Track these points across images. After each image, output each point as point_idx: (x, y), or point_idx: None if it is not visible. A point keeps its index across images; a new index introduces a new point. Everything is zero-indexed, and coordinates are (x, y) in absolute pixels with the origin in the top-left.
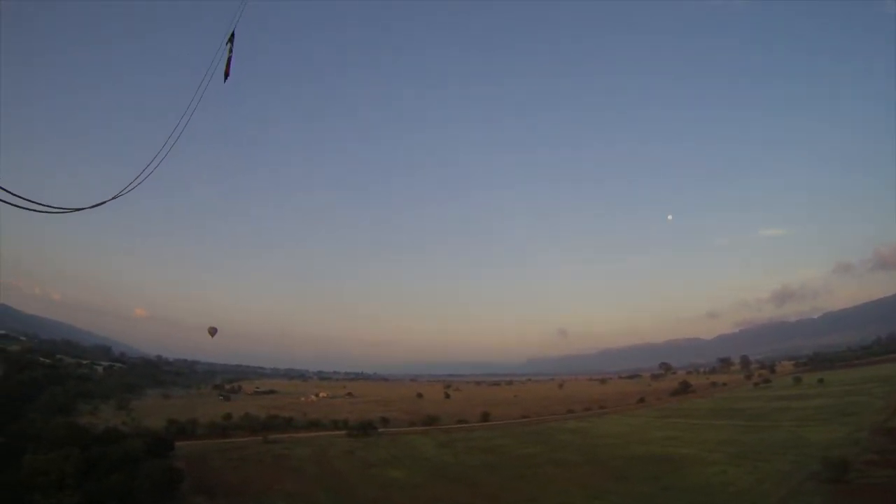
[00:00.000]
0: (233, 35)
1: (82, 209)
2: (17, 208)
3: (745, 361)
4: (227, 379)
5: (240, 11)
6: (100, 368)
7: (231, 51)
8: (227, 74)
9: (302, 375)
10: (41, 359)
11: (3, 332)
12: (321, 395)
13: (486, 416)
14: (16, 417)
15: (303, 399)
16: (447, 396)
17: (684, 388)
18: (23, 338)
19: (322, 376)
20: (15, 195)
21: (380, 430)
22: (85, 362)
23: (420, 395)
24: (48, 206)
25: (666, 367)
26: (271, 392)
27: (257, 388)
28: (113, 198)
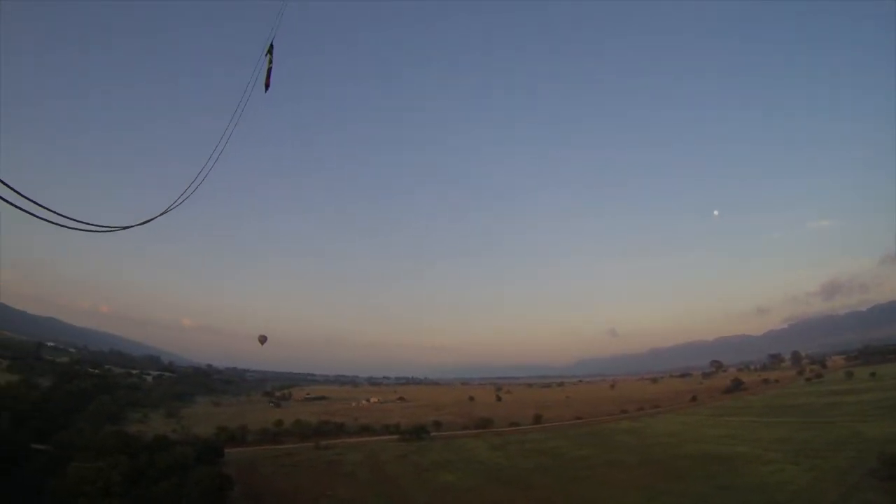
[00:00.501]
0: (272, 46)
1: (132, 226)
2: (69, 229)
3: (797, 357)
4: (278, 386)
5: (276, 23)
6: (149, 378)
7: (271, 62)
8: (267, 85)
9: (353, 381)
10: (90, 369)
11: (52, 344)
12: (372, 400)
13: (538, 419)
14: (63, 427)
15: (354, 404)
16: (499, 399)
17: (736, 386)
18: (72, 349)
19: (373, 382)
20: (68, 217)
21: (432, 433)
22: (134, 372)
23: (472, 399)
24: (101, 225)
25: (717, 365)
26: (322, 398)
27: (308, 394)
28: (161, 213)
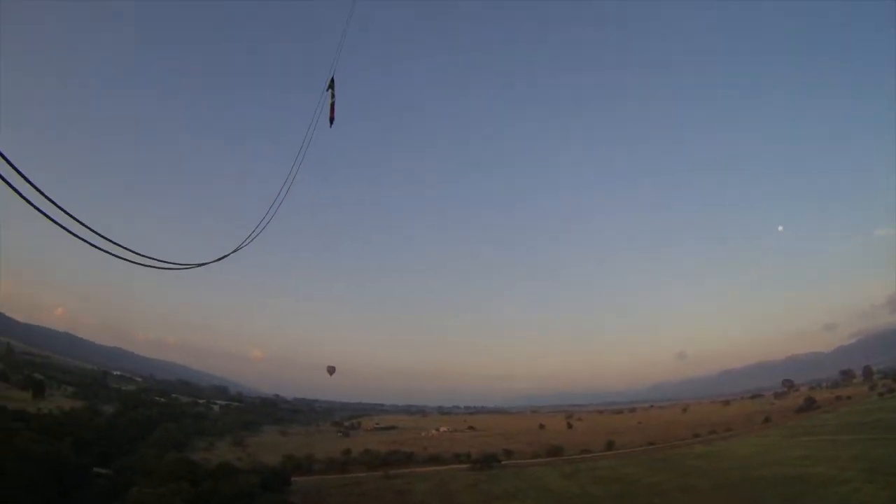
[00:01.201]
0: (332, 81)
1: (209, 263)
2: (143, 266)
3: (868, 372)
4: (347, 416)
5: (336, 58)
6: (216, 407)
7: (333, 96)
8: (331, 120)
9: (422, 411)
10: (156, 398)
11: (118, 373)
12: (442, 429)
13: (610, 445)
14: (127, 453)
15: (423, 434)
16: (570, 426)
17: (809, 405)
18: (138, 378)
19: (442, 411)
20: (144, 255)
21: (503, 462)
22: (201, 401)
23: (542, 426)
24: (179, 263)
25: (788, 384)
26: (391, 428)
27: (377, 424)
28: (234, 251)
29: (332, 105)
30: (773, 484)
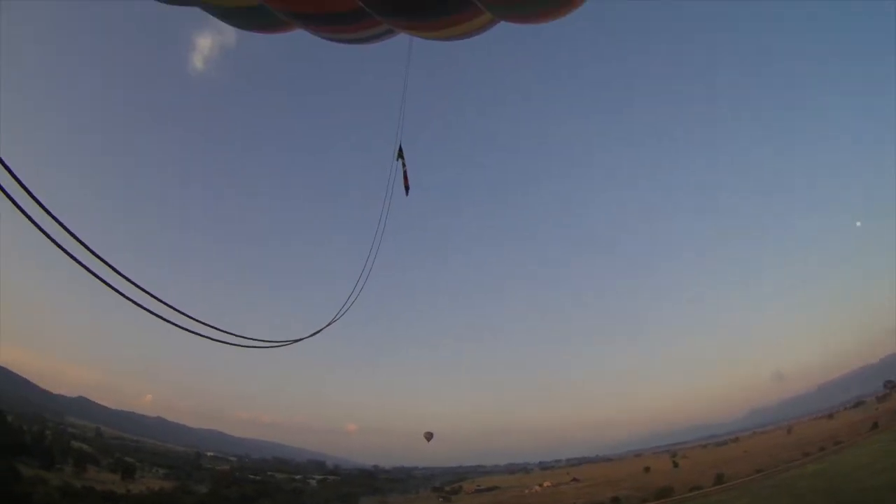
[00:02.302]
0: (401, 149)
1: (303, 339)
2: (236, 346)
3: None
4: (447, 481)
5: (399, 126)
6: (313, 482)
7: (404, 165)
8: (406, 188)
9: (524, 468)
10: (250, 476)
11: (212, 454)
12: (545, 484)
13: (720, 479)
14: None
15: (526, 491)
16: (675, 465)
17: None
18: (232, 458)
19: (544, 466)
20: (237, 335)
21: None
22: (297, 477)
23: (647, 469)
24: (272, 340)
25: (891, 386)
26: (493, 488)
27: (478, 486)
28: (327, 325)
29: (405, 173)
30: (890, 489)
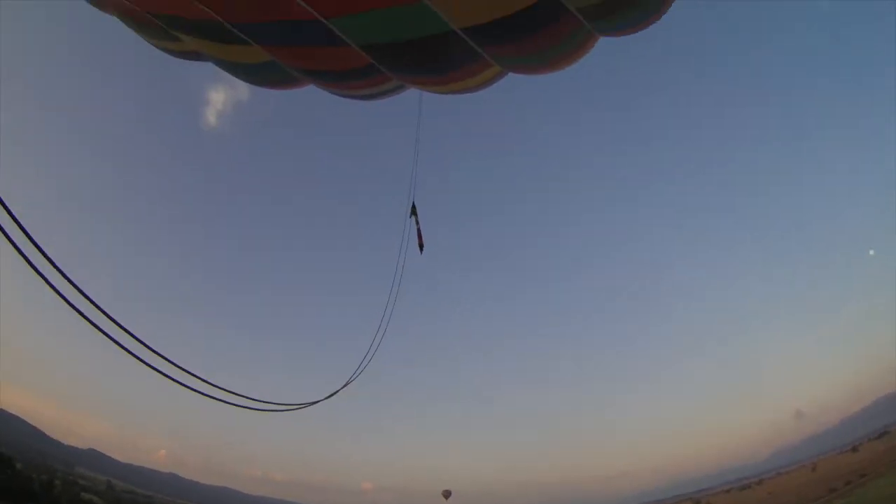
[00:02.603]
0: (414, 207)
1: (315, 403)
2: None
3: None
4: None
5: (412, 182)
6: None
7: (418, 222)
8: (421, 246)
9: None
10: None
11: None
12: None
13: None
14: None
15: None
16: None
17: None
18: None
19: None
20: (252, 399)
21: None
22: None
23: None
24: (283, 403)
25: None
26: None
27: None
28: (342, 387)
29: (419, 231)
30: None
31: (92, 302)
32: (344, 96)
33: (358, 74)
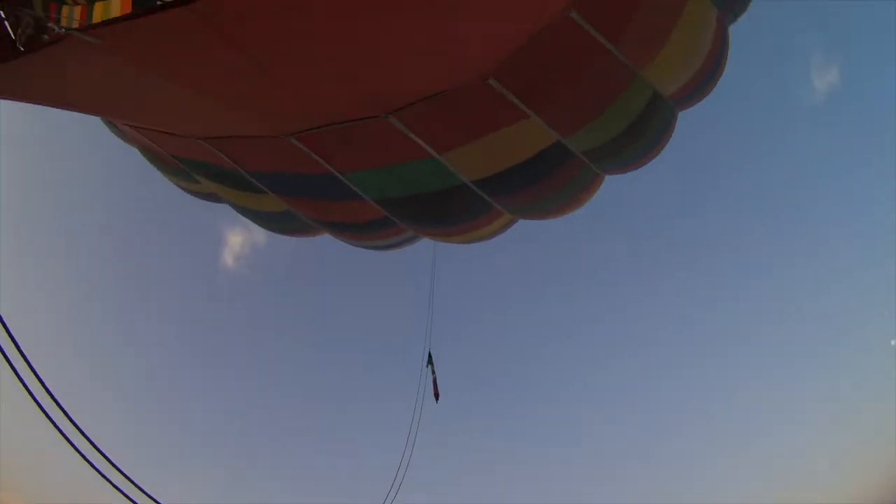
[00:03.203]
0: (430, 356)
1: None
2: None
3: None
4: None
5: (427, 332)
6: None
7: (434, 371)
8: (436, 395)
9: None
10: None
11: None
12: None
13: None
14: None
15: None
16: None
17: None
18: None
19: None
20: None
21: None
22: None
23: None
24: None
25: None
26: None
27: None
28: None
29: (434, 381)
30: None
31: (105, 457)
32: (358, 246)
33: (374, 227)
